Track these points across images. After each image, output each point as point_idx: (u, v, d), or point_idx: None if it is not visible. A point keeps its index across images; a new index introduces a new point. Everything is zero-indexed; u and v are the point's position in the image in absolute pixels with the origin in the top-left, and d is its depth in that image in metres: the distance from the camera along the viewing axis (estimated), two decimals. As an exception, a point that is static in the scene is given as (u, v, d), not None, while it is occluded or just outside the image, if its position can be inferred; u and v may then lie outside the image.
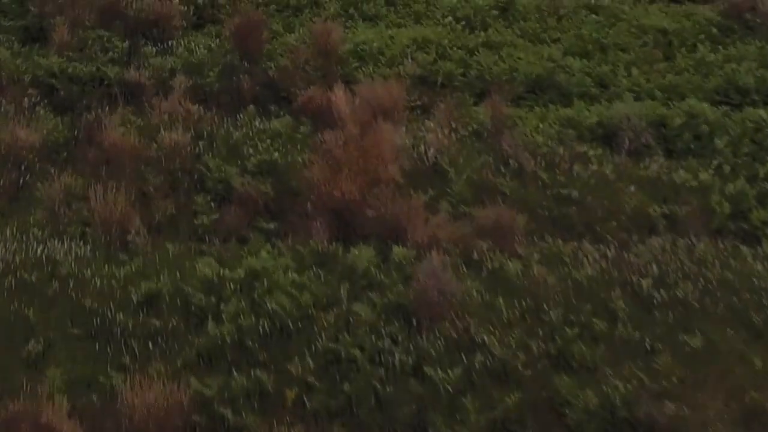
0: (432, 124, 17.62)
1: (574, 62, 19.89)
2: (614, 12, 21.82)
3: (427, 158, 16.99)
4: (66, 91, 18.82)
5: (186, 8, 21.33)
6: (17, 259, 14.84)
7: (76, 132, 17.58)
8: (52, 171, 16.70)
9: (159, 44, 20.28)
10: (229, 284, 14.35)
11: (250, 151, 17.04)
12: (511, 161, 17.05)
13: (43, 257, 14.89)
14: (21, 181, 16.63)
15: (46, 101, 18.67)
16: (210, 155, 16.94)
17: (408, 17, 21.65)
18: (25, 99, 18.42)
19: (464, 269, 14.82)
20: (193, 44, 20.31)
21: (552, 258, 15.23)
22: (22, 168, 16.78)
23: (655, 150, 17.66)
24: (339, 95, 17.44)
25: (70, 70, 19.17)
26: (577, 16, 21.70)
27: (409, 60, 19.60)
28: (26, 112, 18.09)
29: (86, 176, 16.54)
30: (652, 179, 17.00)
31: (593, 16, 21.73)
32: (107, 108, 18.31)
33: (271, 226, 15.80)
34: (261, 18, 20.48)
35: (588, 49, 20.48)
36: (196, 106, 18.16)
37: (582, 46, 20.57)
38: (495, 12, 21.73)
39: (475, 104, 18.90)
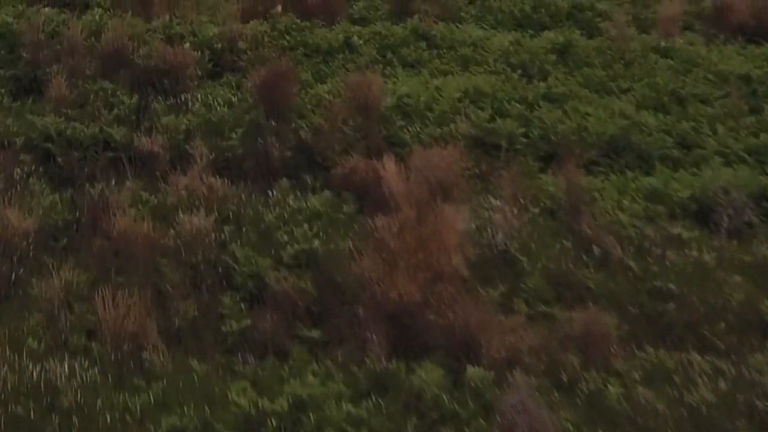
0: (497, 201, 14.95)
1: (649, 118, 17.19)
2: (688, 56, 19.08)
3: (495, 245, 14.36)
4: (65, 158, 16.07)
5: (200, 54, 18.47)
6: (8, 385, 12.11)
7: (77, 213, 14.80)
8: (50, 264, 13.91)
9: (171, 98, 17.44)
10: (270, 419, 11.64)
11: (285, 237, 14.29)
12: (594, 247, 14.45)
13: (41, 383, 12.17)
14: (13, 276, 13.86)
15: (41, 170, 15.93)
16: (238, 243, 14.20)
17: (454, 63, 18.79)
18: (17, 169, 15.72)
19: (555, 394, 12.22)
20: (210, 98, 17.44)
21: (656, 375, 12.61)
22: (14, 260, 14.04)
23: (760, 229, 15.06)
24: (389, 168, 14.74)
25: (69, 131, 16.37)
26: (646, 61, 18.93)
27: (463, 118, 16.89)
28: (18, 186, 15.33)
29: (91, 270, 13.83)
30: (759, 266, 14.40)
31: (664, 60, 19.02)
32: (114, 181, 15.56)
33: (315, 334, 13.11)
34: (288, 66, 17.69)
35: (664, 102, 17.76)
36: (219, 179, 15.38)
37: (656, 97, 17.85)
38: (553, 56, 18.94)
39: (541, 170, 16.25)
